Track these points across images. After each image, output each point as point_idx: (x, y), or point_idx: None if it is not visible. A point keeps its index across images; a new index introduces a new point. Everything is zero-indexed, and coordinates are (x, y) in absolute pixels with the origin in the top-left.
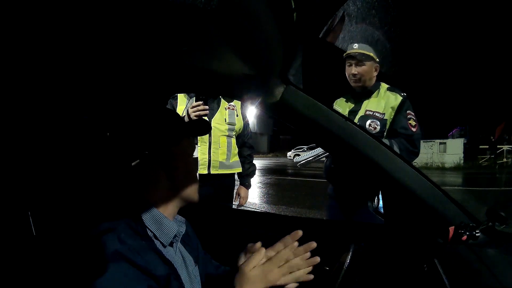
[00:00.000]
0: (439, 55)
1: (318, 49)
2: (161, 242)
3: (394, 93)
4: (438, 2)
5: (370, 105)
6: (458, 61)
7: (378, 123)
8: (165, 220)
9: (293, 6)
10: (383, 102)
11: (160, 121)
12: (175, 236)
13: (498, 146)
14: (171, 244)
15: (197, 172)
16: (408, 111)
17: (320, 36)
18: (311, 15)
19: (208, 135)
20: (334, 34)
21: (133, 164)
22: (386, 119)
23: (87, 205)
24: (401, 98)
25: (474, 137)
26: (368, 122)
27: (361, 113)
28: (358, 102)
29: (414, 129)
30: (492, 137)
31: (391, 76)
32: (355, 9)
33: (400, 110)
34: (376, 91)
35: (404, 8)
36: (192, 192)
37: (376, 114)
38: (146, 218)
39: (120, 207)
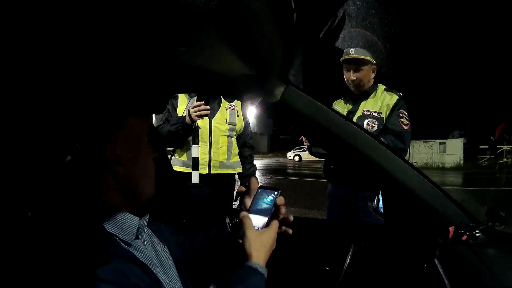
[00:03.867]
0: (439, 55)
1: (318, 49)
2: (124, 241)
3: (390, 93)
4: (438, 2)
5: (367, 105)
6: (458, 61)
7: (376, 122)
8: (122, 216)
9: (293, 7)
10: (380, 102)
11: (88, 101)
12: (139, 228)
13: (498, 146)
14: (137, 237)
15: (152, 157)
16: (401, 110)
17: (320, 37)
18: (311, 15)
19: (208, 135)
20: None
21: (66, 160)
22: (383, 117)
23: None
24: (397, 97)
25: (474, 137)
26: (366, 122)
27: (358, 113)
28: (356, 103)
29: (405, 127)
30: (492, 137)
31: (391, 76)
32: (355, 9)
33: (394, 109)
34: (374, 92)
35: (404, 8)
36: (144, 187)
37: (373, 114)
38: (100, 219)
39: (65, 212)
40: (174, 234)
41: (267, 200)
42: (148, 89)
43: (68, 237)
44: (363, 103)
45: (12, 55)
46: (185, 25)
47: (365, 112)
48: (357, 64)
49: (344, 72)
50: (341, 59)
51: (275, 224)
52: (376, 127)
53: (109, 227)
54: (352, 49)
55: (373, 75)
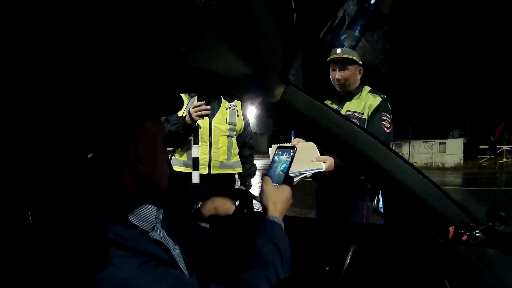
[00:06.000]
0: (439, 55)
1: (318, 49)
2: (143, 230)
3: (374, 94)
4: (438, 2)
5: (351, 106)
6: (458, 61)
7: (358, 122)
8: (141, 207)
9: (293, 7)
10: (363, 103)
11: (115, 103)
12: (155, 218)
13: (498, 146)
14: (153, 228)
15: (166, 157)
16: (384, 113)
17: (320, 37)
18: (311, 15)
19: (208, 134)
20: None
21: (88, 156)
22: (365, 118)
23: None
24: (380, 99)
25: (474, 137)
26: None
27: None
28: (340, 104)
29: (387, 130)
30: (492, 137)
31: (391, 76)
32: (355, 9)
33: (376, 111)
34: (359, 94)
35: (404, 8)
36: (161, 183)
37: (356, 114)
38: (122, 209)
39: (89, 204)
40: (180, 236)
41: (284, 158)
42: (163, 91)
43: (94, 230)
44: (347, 103)
45: (37, 61)
46: (185, 25)
47: (348, 113)
48: (343, 63)
49: (331, 72)
50: (328, 59)
51: (290, 180)
52: None
53: (132, 218)
54: (338, 48)
55: (359, 76)
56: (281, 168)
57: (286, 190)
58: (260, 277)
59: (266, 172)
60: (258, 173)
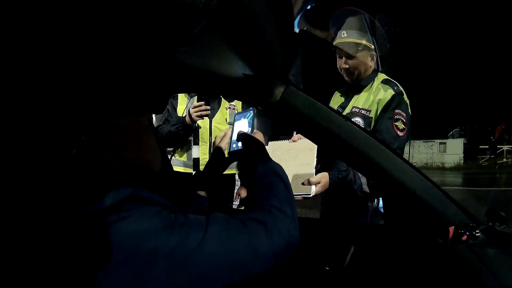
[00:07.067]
0: (440, 55)
1: (318, 48)
2: None
3: (386, 86)
4: (439, 1)
5: (358, 101)
6: (458, 61)
7: (362, 122)
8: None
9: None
10: (372, 97)
11: (93, 94)
12: None
13: (498, 146)
14: None
15: (153, 136)
16: (397, 110)
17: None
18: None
19: (208, 135)
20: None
21: (72, 153)
22: (372, 117)
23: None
24: (393, 92)
25: (474, 137)
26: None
27: (347, 110)
28: (348, 97)
29: (400, 133)
30: (492, 137)
31: (391, 76)
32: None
33: (387, 108)
34: (369, 85)
35: (404, 7)
36: (152, 165)
37: (362, 112)
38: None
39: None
40: (178, 209)
41: (246, 117)
42: (149, 86)
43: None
44: (355, 97)
45: (15, 54)
46: (185, 25)
47: (353, 109)
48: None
49: (337, 59)
50: (334, 43)
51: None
52: None
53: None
54: (344, 31)
55: (371, 63)
56: (248, 124)
57: (259, 136)
58: (269, 196)
59: (240, 131)
60: None
